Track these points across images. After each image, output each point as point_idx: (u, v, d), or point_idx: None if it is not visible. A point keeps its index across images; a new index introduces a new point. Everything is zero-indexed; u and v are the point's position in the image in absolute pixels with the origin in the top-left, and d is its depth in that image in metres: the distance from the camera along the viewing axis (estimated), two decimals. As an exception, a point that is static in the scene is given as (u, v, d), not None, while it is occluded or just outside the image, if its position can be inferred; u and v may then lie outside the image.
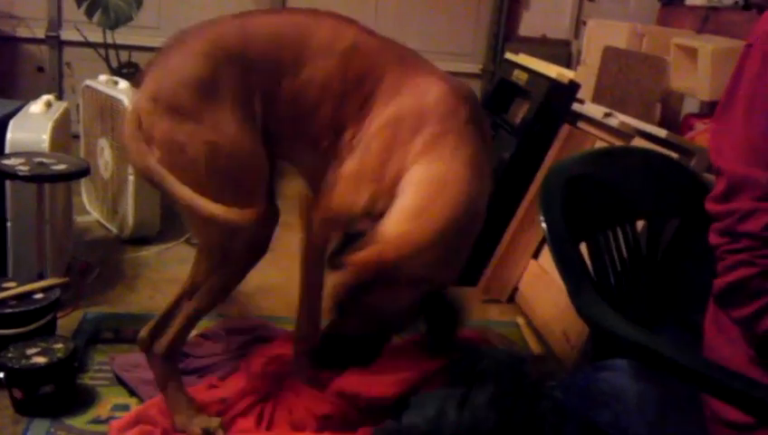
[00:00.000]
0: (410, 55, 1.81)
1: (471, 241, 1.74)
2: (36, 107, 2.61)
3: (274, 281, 2.64)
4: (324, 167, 1.76)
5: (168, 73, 1.66)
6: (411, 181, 1.64)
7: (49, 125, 2.48)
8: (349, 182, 1.70)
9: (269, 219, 1.73)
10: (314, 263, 1.91)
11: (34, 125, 2.48)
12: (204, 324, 2.32)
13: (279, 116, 1.73)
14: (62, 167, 2.25)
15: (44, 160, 2.27)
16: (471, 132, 1.69)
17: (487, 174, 1.74)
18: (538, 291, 2.69)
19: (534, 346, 2.52)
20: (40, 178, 2.21)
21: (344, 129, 1.73)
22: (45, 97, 2.69)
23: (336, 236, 1.77)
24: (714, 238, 1.21)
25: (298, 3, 4.61)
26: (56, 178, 2.29)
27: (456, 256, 1.71)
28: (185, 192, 1.59)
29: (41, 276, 2.27)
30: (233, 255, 1.74)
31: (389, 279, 1.58)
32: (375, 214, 1.67)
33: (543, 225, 1.38)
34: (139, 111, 1.63)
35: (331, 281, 1.65)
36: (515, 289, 2.84)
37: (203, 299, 1.79)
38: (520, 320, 2.69)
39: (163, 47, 1.72)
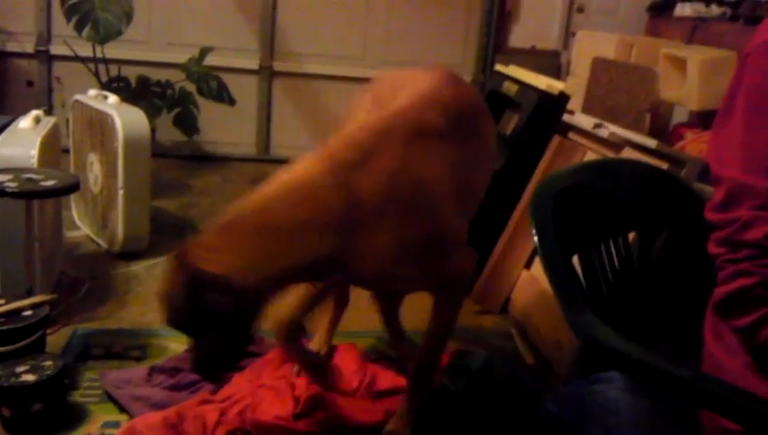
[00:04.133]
0: None
1: None
2: (25, 122, 2.60)
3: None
4: None
5: None
6: None
7: (38, 140, 2.46)
8: None
9: None
10: None
11: (23, 140, 2.47)
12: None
13: None
14: (51, 182, 2.24)
15: (33, 176, 2.25)
16: None
17: None
18: (530, 301, 2.69)
19: (528, 356, 2.51)
20: (28, 194, 2.20)
21: None
22: (34, 112, 2.68)
23: None
24: (713, 248, 1.20)
25: (290, 10, 4.63)
26: (45, 195, 2.27)
27: None
28: None
29: (30, 293, 2.25)
30: None
31: None
32: None
33: (535, 238, 1.38)
34: None
35: None
36: (508, 299, 2.83)
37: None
38: (513, 330, 2.68)
39: None
